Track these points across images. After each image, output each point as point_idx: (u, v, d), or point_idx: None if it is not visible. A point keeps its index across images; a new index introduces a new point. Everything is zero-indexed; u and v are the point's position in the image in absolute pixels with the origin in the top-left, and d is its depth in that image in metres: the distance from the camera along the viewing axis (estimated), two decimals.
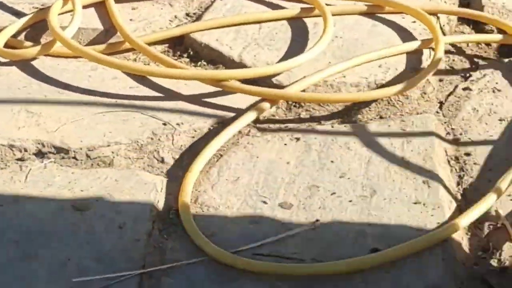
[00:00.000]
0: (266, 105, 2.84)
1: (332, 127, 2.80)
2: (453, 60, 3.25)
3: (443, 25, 3.39)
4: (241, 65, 3.08)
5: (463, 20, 3.48)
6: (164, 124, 2.75)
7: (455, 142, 2.77)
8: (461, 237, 2.34)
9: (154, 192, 2.48)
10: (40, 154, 2.62)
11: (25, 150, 2.62)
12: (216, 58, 3.16)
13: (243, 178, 2.56)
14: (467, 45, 3.32)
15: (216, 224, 2.39)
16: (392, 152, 2.67)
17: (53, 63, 3.10)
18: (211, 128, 2.78)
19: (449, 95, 3.03)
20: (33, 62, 3.10)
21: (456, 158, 2.70)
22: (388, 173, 2.58)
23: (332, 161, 2.63)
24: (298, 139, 2.74)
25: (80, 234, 2.28)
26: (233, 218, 2.41)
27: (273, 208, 2.44)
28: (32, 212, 2.36)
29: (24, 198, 2.42)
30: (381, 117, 2.87)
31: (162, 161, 2.65)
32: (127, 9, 3.45)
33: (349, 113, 2.90)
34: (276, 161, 2.64)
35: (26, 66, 3.07)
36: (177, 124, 2.76)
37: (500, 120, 2.85)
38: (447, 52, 3.23)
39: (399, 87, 2.91)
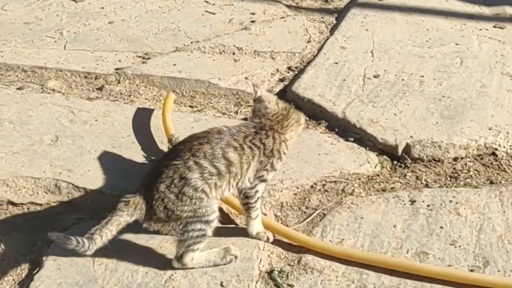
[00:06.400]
0: None
1: (440, 190, 2.70)
2: None
3: None
4: (344, 122, 3.01)
5: None
6: None
7: None
8: None
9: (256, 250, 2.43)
10: None
11: None
12: (318, 114, 3.10)
13: (348, 240, 2.47)
14: None
15: None
16: (504, 220, 2.54)
17: None
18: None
19: None
20: None
21: None
22: (501, 243, 2.44)
23: (441, 227, 2.51)
24: (404, 201, 2.64)
25: None
26: (337, 283, 2.32)
27: (379, 275, 2.34)
28: None
29: None
30: (491, 182, 2.75)
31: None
32: (229, 60, 3.45)
33: (458, 176, 2.79)
34: (382, 223, 2.54)
35: None
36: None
37: None
38: None
39: None
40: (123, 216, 2.27)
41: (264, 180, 2.41)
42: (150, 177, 2.32)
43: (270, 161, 2.40)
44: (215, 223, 2.33)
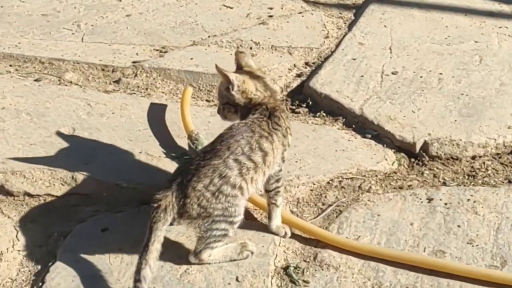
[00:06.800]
0: None
1: (458, 188, 2.68)
2: None
3: None
4: (362, 118, 3.00)
5: None
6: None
7: None
8: None
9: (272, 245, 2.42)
10: None
11: None
12: (335, 110, 3.09)
13: (365, 237, 2.46)
14: None
15: (335, 285, 2.29)
16: None
17: None
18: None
19: None
20: None
21: None
22: None
23: (458, 226, 2.49)
24: (421, 199, 2.62)
25: None
26: (353, 280, 2.31)
27: (396, 272, 2.33)
28: None
29: None
30: (510, 182, 2.72)
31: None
32: None
33: (476, 174, 2.77)
34: (399, 221, 2.52)
35: None
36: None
37: None
38: None
39: None
40: (161, 230, 2.25)
41: (284, 160, 2.46)
42: (182, 176, 2.29)
43: (287, 139, 2.45)
44: (237, 226, 2.33)
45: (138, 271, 2.20)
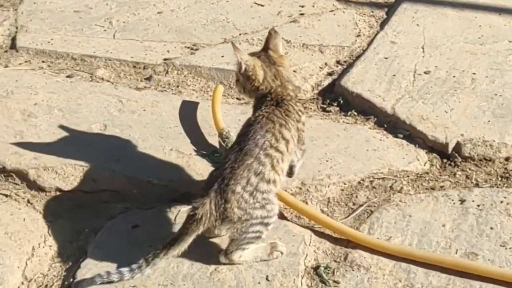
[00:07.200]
0: None
1: (491, 190, 2.64)
2: None
3: None
4: (394, 118, 2.97)
5: None
6: None
7: None
8: None
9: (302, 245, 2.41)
10: None
11: None
12: (367, 109, 3.07)
13: (396, 238, 2.44)
14: None
15: (365, 286, 2.27)
16: None
17: None
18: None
19: None
20: None
21: None
22: None
23: (491, 228, 2.46)
24: (454, 200, 2.59)
25: None
26: (384, 281, 2.29)
27: (427, 274, 2.31)
28: None
29: None
30: None
31: None
32: None
33: (509, 176, 2.73)
34: (431, 222, 2.50)
35: None
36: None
37: None
38: None
39: None
40: (189, 241, 2.27)
41: (304, 143, 2.52)
42: (218, 182, 2.29)
43: (300, 122, 2.47)
44: (271, 228, 2.33)
45: (153, 255, 2.24)
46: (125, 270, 2.25)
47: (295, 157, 2.51)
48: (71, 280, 2.31)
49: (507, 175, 2.73)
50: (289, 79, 2.51)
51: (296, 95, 2.51)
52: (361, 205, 2.59)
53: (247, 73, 2.47)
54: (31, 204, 2.61)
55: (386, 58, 3.35)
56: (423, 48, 3.42)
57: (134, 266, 2.25)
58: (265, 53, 2.52)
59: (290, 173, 2.52)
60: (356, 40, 3.54)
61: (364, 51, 3.44)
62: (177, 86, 3.24)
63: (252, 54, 2.54)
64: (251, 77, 2.47)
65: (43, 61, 3.39)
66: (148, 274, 2.28)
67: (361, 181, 2.70)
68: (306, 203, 2.59)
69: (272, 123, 2.38)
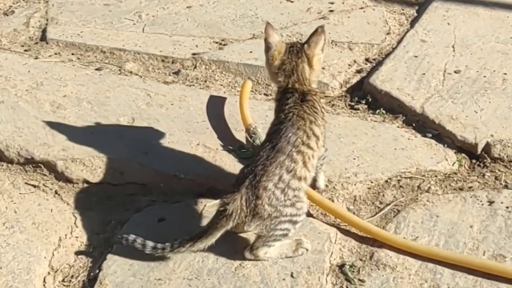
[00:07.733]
0: None
1: None
2: None
3: None
4: (422, 117, 2.95)
5: None
6: None
7: None
8: None
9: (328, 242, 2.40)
10: None
11: None
12: (395, 107, 3.04)
13: (422, 238, 2.42)
14: None
15: (391, 286, 2.26)
16: None
17: None
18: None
19: None
20: None
21: None
22: None
23: None
24: (482, 201, 2.56)
25: None
26: (410, 281, 2.27)
27: (454, 275, 2.29)
28: None
29: None
30: None
31: None
32: None
33: None
34: (458, 223, 2.48)
35: None
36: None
37: None
38: None
39: None
40: (217, 236, 2.28)
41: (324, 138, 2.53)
42: (249, 179, 2.28)
43: (324, 118, 2.48)
44: (298, 227, 2.33)
45: (180, 243, 2.26)
46: (149, 244, 2.28)
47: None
48: (97, 271, 2.32)
49: None
50: (310, 78, 2.47)
51: (316, 92, 2.48)
52: (388, 204, 2.58)
53: (268, 55, 2.48)
54: (59, 195, 2.63)
55: (416, 57, 3.32)
56: (453, 47, 3.39)
57: (159, 245, 2.28)
58: (301, 46, 2.50)
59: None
60: (385, 38, 3.51)
61: (394, 49, 3.41)
62: (205, 81, 3.24)
63: (289, 43, 2.54)
64: (269, 60, 2.48)
65: (72, 54, 3.41)
66: (173, 268, 2.29)
67: (388, 180, 2.68)
68: (332, 200, 2.58)
69: (302, 120, 2.37)
